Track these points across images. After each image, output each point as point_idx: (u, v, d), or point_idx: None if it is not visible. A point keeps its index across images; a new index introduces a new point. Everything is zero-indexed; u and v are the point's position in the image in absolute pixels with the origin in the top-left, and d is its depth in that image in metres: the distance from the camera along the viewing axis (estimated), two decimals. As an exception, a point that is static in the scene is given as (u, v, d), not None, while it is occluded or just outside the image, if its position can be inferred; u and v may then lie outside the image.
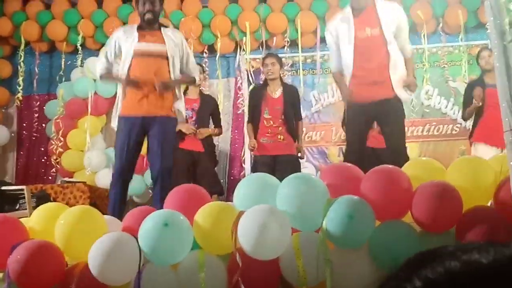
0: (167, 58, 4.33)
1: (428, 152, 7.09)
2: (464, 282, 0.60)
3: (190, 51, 4.67)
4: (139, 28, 4.37)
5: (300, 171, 5.47)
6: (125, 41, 4.31)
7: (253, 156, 5.87)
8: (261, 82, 5.89)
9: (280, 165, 5.39)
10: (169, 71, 4.32)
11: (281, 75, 5.85)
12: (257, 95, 5.63)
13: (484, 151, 5.35)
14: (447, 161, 3.19)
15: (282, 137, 5.51)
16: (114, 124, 4.37)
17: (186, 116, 5.55)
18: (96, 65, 4.63)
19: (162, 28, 4.43)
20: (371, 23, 4.28)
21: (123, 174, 4.24)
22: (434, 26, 7.35)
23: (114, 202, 4.20)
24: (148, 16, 4.32)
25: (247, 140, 7.26)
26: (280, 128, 5.53)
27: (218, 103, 7.05)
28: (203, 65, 6.98)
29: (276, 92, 5.57)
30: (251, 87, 7.26)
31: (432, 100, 7.30)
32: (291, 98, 5.63)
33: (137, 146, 4.30)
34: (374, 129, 5.18)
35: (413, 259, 0.64)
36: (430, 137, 7.23)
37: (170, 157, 4.28)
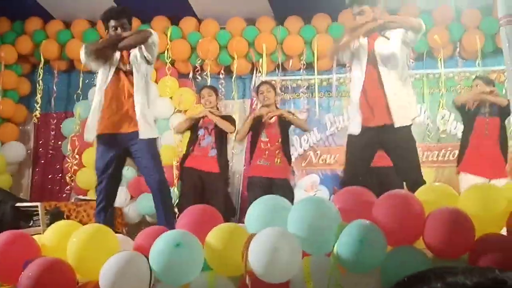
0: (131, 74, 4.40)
1: (444, 178, 7.03)
2: None
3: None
4: None
5: (293, 197, 5.55)
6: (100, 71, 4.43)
7: (247, 177, 5.90)
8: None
9: (277, 188, 5.42)
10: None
11: (275, 101, 5.96)
12: (253, 121, 5.71)
13: (472, 181, 5.24)
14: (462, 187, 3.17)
15: (279, 160, 5.57)
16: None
17: (198, 134, 5.66)
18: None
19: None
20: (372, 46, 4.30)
21: None
22: (451, 50, 7.34)
23: None
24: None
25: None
26: (277, 152, 5.59)
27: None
28: (220, 86, 7.07)
29: (272, 118, 5.68)
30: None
31: (448, 125, 7.26)
32: (287, 123, 5.74)
33: None
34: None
35: (403, 280, 0.66)
36: (445, 163, 7.19)
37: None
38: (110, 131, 4.32)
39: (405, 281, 0.63)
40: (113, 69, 4.37)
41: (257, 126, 5.64)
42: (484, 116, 5.48)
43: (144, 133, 4.31)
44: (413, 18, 4.33)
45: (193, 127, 5.81)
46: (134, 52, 4.43)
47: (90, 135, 4.36)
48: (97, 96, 4.39)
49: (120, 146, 4.35)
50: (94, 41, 4.32)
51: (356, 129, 4.30)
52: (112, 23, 4.38)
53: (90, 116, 4.40)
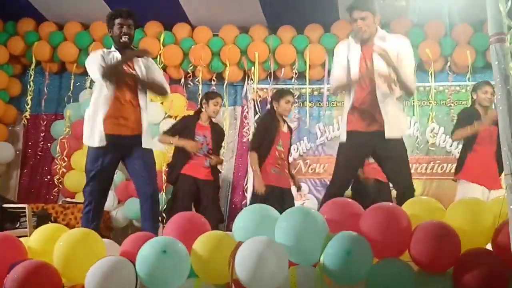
0: (135, 82, 4.45)
1: (432, 190, 7.08)
2: None
3: (158, 68, 4.80)
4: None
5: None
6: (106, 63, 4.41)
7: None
8: (267, 113, 5.86)
9: (289, 198, 5.46)
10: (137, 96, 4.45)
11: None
12: (271, 126, 5.55)
13: (472, 190, 5.22)
14: (450, 200, 3.18)
15: (287, 171, 5.59)
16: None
17: (197, 141, 5.62)
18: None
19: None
20: (370, 57, 4.29)
21: None
22: (442, 64, 7.40)
23: None
24: (125, 39, 4.44)
25: (250, 168, 7.29)
26: (286, 162, 5.59)
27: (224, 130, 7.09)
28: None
29: (284, 126, 5.63)
30: (256, 116, 7.32)
31: (437, 138, 7.32)
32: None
33: None
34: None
35: None
36: (434, 175, 7.23)
37: None
38: (114, 132, 4.34)
39: None
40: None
41: (272, 133, 5.55)
42: (490, 125, 5.35)
43: (146, 142, 4.43)
44: (411, 83, 4.33)
45: (189, 134, 5.75)
46: (139, 62, 4.52)
47: (97, 138, 4.33)
48: (99, 99, 4.38)
49: (121, 149, 4.39)
50: (103, 63, 4.31)
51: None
52: (118, 20, 4.43)
53: (90, 119, 4.39)
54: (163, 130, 6.03)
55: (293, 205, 5.40)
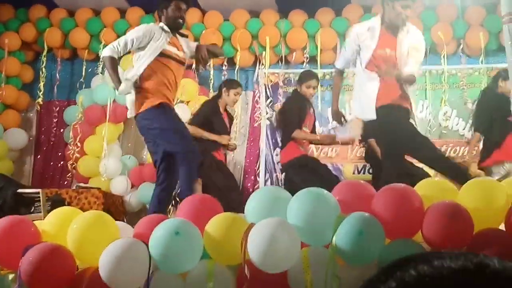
0: (184, 65, 4.58)
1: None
2: (433, 284, 0.66)
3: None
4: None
5: None
6: (154, 39, 4.42)
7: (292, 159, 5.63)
8: (295, 94, 5.86)
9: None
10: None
11: None
12: (302, 106, 5.61)
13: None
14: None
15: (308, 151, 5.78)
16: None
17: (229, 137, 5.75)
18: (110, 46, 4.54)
19: (177, 35, 4.64)
20: (393, 45, 4.29)
21: None
22: (455, 47, 7.34)
23: None
24: (180, 21, 4.56)
25: (262, 153, 7.30)
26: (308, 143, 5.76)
27: (235, 115, 7.09)
28: (222, 77, 7.08)
29: (310, 108, 5.70)
30: (268, 100, 7.32)
31: (450, 121, 7.27)
32: None
33: None
34: None
35: (390, 264, 0.70)
36: (447, 158, 7.20)
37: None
38: (168, 102, 4.45)
39: (392, 265, 0.68)
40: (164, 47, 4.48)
41: (303, 114, 5.57)
42: None
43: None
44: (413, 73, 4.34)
45: (218, 124, 5.73)
46: (188, 45, 4.66)
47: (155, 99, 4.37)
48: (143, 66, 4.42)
49: None
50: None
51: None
52: (176, 2, 4.50)
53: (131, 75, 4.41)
54: (190, 121, 5.95)
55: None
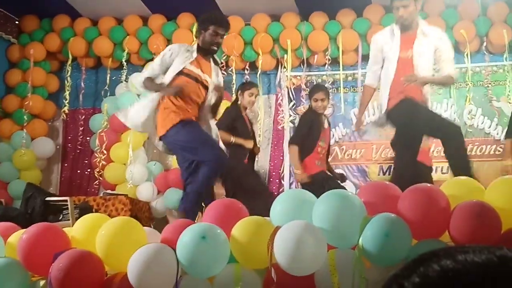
0: (206, 88, 4.51)
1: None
2: (457, 278, 0.66)
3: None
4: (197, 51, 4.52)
5: None
6: (179, 57, 4.44)
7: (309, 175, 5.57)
8: (309, 109, 5.83)
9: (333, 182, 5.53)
10: (204, 100, 4.51)
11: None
12: (315, 122, 5.58)
13: None
14: (490, 182, 3.13)
15: (326, 164, 5.72)
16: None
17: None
18: (141, 74, 4.68)
19: (212, 61, 4.62)
20: (410, 46, 4.29)
21: None
22: (478, 45, 7.26)
23: None
24: (214, 48, 4.52)
25: (286, 157, 7.29)
26: (326, 158, 5.72)
27: (259, 119, 7.11)
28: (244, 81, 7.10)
29: (325, 123, 5.67)
30: (291, 103, 7.31)
31: (475, 120, 7.19)
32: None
33: None
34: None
35: (414, 259, 0.70)
36: (472, 157, 7.08)
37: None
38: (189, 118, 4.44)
39: (415, 260, 0.68)
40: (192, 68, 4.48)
41: (317, 129, 5.55)
42: None
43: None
44: (450, 74, 4.36)
45: (243, 128, 5.74)
46: (218, 73, 4.69)
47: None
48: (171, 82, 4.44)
49: None
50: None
51: None
52: (214, 28, 4.45)
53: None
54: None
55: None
